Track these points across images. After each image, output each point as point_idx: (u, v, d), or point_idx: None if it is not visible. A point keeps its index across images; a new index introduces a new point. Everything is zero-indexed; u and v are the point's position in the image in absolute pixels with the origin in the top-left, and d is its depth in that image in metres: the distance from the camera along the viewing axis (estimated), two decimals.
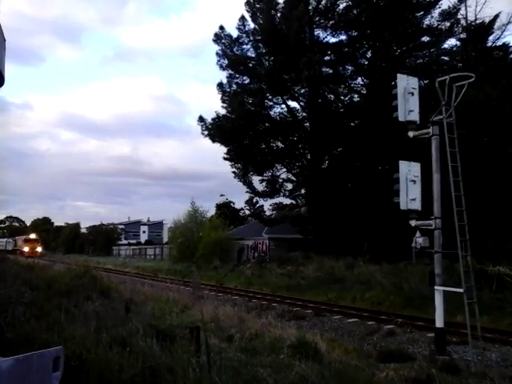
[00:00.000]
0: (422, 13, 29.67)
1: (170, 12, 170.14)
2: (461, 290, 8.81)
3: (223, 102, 34.59)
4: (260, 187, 34.97)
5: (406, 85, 9.93)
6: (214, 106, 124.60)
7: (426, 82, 23.24)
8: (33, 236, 69.70)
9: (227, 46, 34.64)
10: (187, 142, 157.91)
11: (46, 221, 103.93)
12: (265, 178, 34.74)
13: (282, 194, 35.78)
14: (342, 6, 31.32)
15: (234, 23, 34.52)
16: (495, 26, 27.96)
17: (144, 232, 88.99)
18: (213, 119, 33.98)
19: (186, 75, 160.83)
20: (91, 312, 7.78)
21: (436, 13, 29.23)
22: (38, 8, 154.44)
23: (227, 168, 35.34)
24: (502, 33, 28.04)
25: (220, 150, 35.20)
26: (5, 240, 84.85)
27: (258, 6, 33.49)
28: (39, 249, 65.54)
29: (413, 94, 9.89)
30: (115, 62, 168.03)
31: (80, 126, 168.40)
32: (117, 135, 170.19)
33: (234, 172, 35.08)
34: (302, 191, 36.16)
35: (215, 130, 33.49)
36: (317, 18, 32.63)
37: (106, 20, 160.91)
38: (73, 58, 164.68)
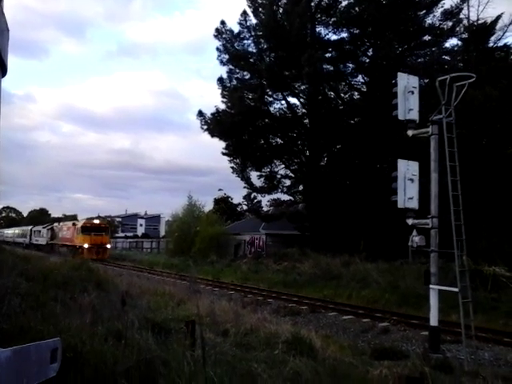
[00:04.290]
0: (424, 12, 29.61)
1: (174, 9, 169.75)
2: (456, 290, 8.84)
3: (223, 96, 34.61)
4: (258, 183, 35.02)
5: (407, 83, 9.94)
6: (215, 101, 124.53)
7: (426, 81, 23.21)
8: (97, 221, 43.61)
9: (228, 41, 34.54)
10: (188, 137, 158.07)
11: (43, 212, 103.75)
12: (263, 173, 34.74)
13: (279, 190, 35.83)
14: (344, 4, 31.30)
15: (236, 21, 34.31)
16: (497, 27, 27.99)
17: (141, 225, 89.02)
18: (212, 114, 33.96)
19: (188, 71, 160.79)
20: (87, 304, 7.78)
21: (438, 12, 29.23)
22: (44, 2, 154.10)
23: (227, 163, 35.41)
24: (504, 33, 28.10)
25: (220, 145, 35.15)
26: (29, 229, 57.63)
27: (260, 1, 33.39)
28: (108, 245, 41.54)
29: (413, 92, 9.90)
30: (118, 57, 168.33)
31: (81, 119, 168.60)
32: (118, 129, 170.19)
33: (232, 167, 35.13)
34: (300, 188, 36.20)
35: (214, 124, 33.45)
36: (319, 15, 32.55)
37: (112, 16, 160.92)
38: (76, 52, 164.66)
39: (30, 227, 58.23)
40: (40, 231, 52.81)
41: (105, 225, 43.15)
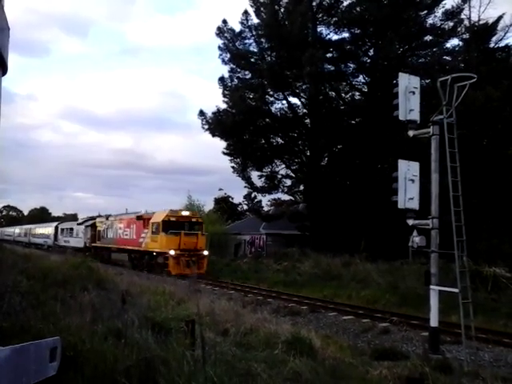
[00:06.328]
0: (425, 12, 29.65)
1: (176, 10, 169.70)
2: (456, 290, 8.82)
3: (224, 96, 34.69)
4: (259, 182, 35.10)
5: (408, 84, 9.92)
6: (217, 101, 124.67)
7: (427, 81, 23.23)
8: (187, 213, 27.08)
9: (230, 40, 34.61)
10: (189, 136, 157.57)
11: (43, 211, 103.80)
12: (264, 173, 34.81)
13: (280, 190, 35.94)
14: (345, 4, 31.35)
15: (238, 20, 34.39)
16: (498, 27, 28.10)
17: None
18: (213, 113, 34.02)
19: (190, 71, 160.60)
20: (87, 303, 7.78)
21: (439, 12, 29.29)
22: (47, 1, 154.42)
23: (228, 163, 35.49)
24: (505, 34, 28.20)
25: (221, 144, 35.24)
26: (53, 227, 46.06)
27: (261, 0, 33.40)
28: (206, 252, 25.38)
29: (414, 93, 9.87)
30: (120, 56, 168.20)
31: (83, 119, 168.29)
32: (119, 128, 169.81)
33: (232, 167, 35.23)
34: (301, 188, 36.23)
35: (215, 124, 33.48)
36: (320, 15, 32.57)
37: (115, 16, 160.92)
38: (79, 52, 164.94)
39: (54, 224, 46.79)
40: (73, 229, 39.66)
41: (197, 219, 26.86)
